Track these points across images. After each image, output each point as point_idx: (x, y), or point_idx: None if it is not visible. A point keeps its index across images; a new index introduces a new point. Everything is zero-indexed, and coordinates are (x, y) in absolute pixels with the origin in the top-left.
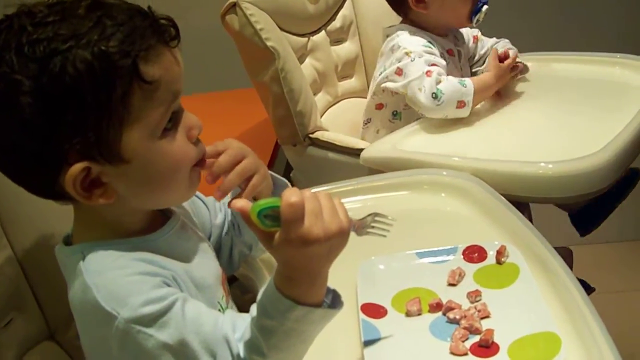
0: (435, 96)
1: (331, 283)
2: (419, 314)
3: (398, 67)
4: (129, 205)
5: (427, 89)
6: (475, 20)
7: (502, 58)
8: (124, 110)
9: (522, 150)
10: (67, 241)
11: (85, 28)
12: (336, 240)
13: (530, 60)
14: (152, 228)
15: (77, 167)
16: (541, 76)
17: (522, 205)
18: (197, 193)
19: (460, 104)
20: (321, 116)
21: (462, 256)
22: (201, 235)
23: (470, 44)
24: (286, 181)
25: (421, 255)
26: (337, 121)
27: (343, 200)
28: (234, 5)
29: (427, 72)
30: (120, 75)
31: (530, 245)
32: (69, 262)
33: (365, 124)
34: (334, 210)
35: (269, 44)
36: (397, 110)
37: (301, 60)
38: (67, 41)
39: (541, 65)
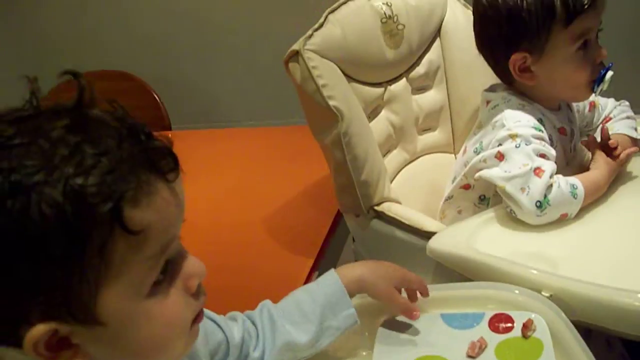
0: (539, 205)
1: (349, 341)
2: None
3: (499, 151)
4: None
5: (532, 193)
6: (598, 91)
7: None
8: (102, 265)
9: (621, 263)
10: None
11: (59, 157)
12: None
13: None
14: None
15: (40, 330)
16: None
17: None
18: (206, 312)
19: (563, 216)
20: (395, 177)
21: (487, 325)
22: None
23: (586, 112)
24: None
25: (445, 317)
26: (415, 183)
27: None
28: (297, 53)
29: (536, 170)
30: (99, 222)
31: None
32: None
33: (447, 199)
34: None
35: (331, 103)
36: (485, 196)
37: (376, 112)
38: (33, 175)
39: None
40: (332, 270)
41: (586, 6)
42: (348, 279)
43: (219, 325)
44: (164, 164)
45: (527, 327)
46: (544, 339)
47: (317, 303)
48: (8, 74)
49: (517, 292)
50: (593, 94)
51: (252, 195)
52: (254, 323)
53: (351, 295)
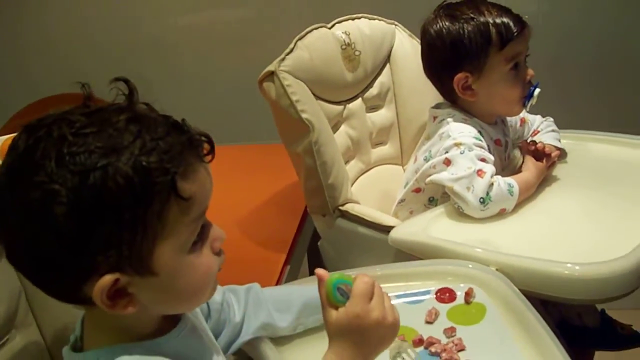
0: (482, 201)
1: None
2: None
3: (446, 158)
4: (149, 313)
5: (476, 191)
6: (528, 106)
7: (540, 154)
8: (159, 225)
9: (550, 244)
10: (76, 345)
11: (127, 142)
12: (389, 330)
13: (568, 138)
14: (162, 330)
15: (107, 279)
16: (578, 158)
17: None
18: None
19: (502, 211)
20: (353, 184)
21: (434, 297)
22: (209, 334)
23: (518, 126)
24: None
25: (399, 297)
26: (369, 190)
27: None
28: (272, 73)
29: (478, 172)
30: (159, 191)
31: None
32: None
33: (400, 202)
34: (393, 305)
35: (304, 116)
36: (434, 197)
37: (336, 127)
38: (108, 155)
39: (578, 145)
40: None
41: (516, 34)
42: None
43: None
44: (201, 149)
45: (468, 294)
46: (486, 303)
47: (300, 301)
48: None
49: (470, 266)
50: (524, 109)
51: (226, 205)
52: (236, 295)
53: None
